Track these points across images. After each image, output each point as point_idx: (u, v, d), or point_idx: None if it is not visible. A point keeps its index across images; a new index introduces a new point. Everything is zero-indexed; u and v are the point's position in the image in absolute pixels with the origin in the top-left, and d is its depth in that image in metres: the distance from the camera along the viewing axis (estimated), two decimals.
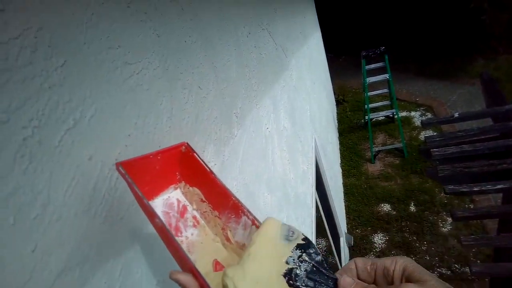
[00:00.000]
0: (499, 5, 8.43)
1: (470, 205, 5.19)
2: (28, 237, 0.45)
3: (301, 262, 0.47)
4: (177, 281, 0.46)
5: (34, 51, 0.52)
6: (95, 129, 0.61)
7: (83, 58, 0.62)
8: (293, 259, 0.47)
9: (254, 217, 0.55)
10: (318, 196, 3.58)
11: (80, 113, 0.58)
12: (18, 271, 0.43)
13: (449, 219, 5.01)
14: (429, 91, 8.67)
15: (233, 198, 0.57)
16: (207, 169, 0.60)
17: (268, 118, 1.98)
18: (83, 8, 0.65)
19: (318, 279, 0.45)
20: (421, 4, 9.81)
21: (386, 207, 5.64)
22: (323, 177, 4.06)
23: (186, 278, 0.46)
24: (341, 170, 6.65)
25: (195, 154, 0.62)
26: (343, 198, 5.97)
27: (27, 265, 0.45)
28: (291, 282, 0.44)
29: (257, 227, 0.53)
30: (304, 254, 0.47)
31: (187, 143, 0.64)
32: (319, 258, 0.47)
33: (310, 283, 0.45)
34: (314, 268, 0.46)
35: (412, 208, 5.46)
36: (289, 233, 0.50)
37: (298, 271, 0.46)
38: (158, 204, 0.60)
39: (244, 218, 0.56)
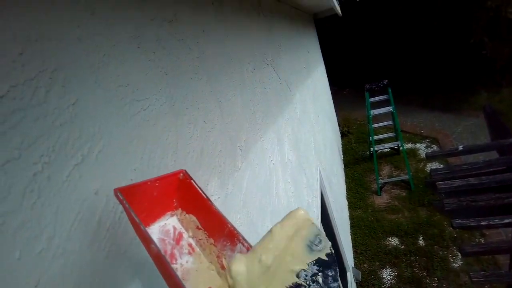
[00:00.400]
0: (499, 39, 8.61)
1: (480, 239, 5.04)
2: (32, 271, 0.46)
3: (313, 282, 0.40)
4: None
5: (48, 91, 0.55)
6: (102, 164, 0.63)
7: (93, 96, 0.66)
8: (306, 275, 0.40)
9: (250, 244, 0.55)
10: (324, 229, 3.52)
11: (88, 148, 0.60)
12: None
13: (460, 254, 4.86)
14: (434, 123, 8.70)
15: (229, 226, 0.57)
16: (204, 196, 0.61)
17: (273, 150, 2.00)
18: (95, 50, 0.70)
19: None
20: (423, 39, 10.06)
21: (394, 241, 5.49)
22: (328, 209, 4.01)
23: None
24: (347, 202, 6.56)
25: (192, 181, 0.63)
26: (349, 231, 5.84)
27: None
28: None
29: None
30: (320, 274, 0.40)
31: (185, 171, 0.65)
32: (335, 286, 0.40)
33: None
34: None
35: (421, 242, 5.31)
36: (315, 240, 0.43)
37: None
38: (155, 230, 0.61)
39: (239, 245, 0.56)
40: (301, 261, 0.42)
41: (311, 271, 0.41)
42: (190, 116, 1.07)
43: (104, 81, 0.70)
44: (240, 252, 0.55)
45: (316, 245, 0.43)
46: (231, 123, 1.42)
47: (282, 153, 2.22)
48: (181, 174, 0.65)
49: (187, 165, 0.99)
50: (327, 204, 3.95)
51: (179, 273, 0.56)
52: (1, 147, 0.44)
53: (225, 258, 0.57)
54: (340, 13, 7.99)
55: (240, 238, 0.56)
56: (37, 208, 0.48)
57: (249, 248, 0.54)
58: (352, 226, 6.04)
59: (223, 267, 0.57)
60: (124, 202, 0.52)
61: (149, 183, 0.61)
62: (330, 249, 0.43)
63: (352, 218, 6.22)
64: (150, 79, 0.88)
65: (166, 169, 0.86)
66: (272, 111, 2.19)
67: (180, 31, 1.11)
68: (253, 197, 1.52)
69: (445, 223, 5.44)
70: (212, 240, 0.60)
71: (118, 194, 0.53)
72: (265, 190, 1.70)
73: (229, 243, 0.57)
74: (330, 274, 0.40)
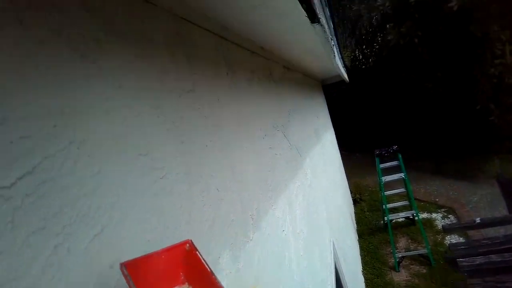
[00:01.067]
0: (505, 106, 8.62)
1: None
2: None
3: None
4: None
5: (76, 161, 0.58)
6: (119, 235, 0.63)
7: (115, 165, 0.68)
8: None
9: None
10: None
11: (107, 219, 0.61)
12: None
13: None
14: (448, 191, 8.49)
15: None
16: (208, 269, 0.61)
17: (284, 219, 1.96)
18: (120, 121, 0.74)
19: None
20: (430, 105, 10.21)
21: None
22: (344, 287, 3.74)
23: None
24: (363, 278, 6.10)
25: (197, 252, 0.63)
26: None
27: None
28: None
29: None
30: None
31: (190, 241, 0.66)
32: None
33: None
34: None
35: None
36: None
37: None
38: None
39: None
40: None
41: None
42: (203, 184, 1.08)
43: (126, 151, 0.73)
44: None
45: None
46: (243, 190, 1.42)
47: (294, 223, 2.17)
48: (187, 245, 0.65)
49: (200, 236, 0.97)
50: (342, 280, 3.70)
51: None
52: (28, 218, 0.45)
53: None
54: (347, 80, 8.32)
55: None
56: (54, 283, 0.47)
57: None
58: None
59: None
60: (128, 278, 0.52)
61: (155, 255, 0.61)
62: None
63: None
64: (167, 148, 0.91)
65: (179, 239, 0.85)
66: (283, 177, 2.20)
67: (197, 100, 1.17)
68: (265, 271, 1.45)
69: None
70: None
71: (123, 269, 0.53)
72: (276, 265, 1.63)
73: None
74: None
